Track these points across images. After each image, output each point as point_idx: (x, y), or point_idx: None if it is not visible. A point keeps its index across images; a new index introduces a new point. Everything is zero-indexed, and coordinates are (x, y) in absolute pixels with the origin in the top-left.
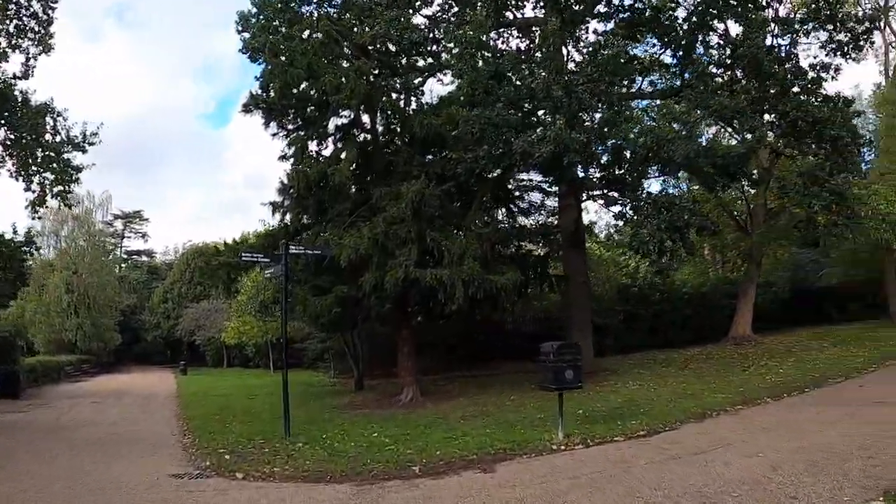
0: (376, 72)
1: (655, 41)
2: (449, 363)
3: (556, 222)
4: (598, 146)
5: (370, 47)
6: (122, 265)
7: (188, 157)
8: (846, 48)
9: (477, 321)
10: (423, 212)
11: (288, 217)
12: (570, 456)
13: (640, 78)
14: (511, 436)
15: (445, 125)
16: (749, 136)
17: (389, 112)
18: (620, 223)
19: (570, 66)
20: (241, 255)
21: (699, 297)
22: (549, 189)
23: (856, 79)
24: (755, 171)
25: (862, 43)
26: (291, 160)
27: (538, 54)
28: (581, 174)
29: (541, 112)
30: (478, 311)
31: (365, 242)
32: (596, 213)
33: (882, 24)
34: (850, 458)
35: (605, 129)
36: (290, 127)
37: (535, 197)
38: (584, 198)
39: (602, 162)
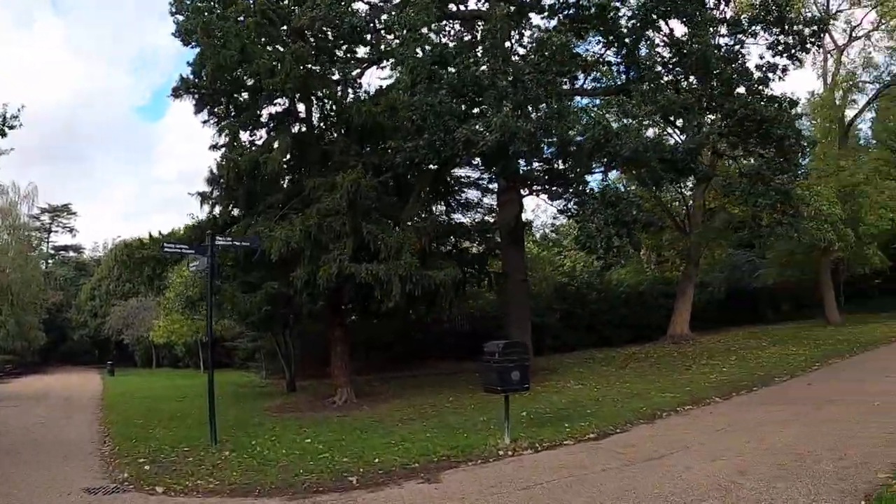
0: (314, 57)
1: (600, 38)
2: (385, 363)
3: (494, 219)
4: (543, 138)
5: (308, 32)
6: (49, 261)
7: (122, 150)
8: (793, 50)
9: (413, 319)
10: (358, 204)
11: (217, 209)
12: (519, 462)
13: (583, 75)
14: (454, 440)
15: (385, 113)
16: (697, 134)
17: (326, 101)
18: (559, 221)
19: (515, 58)
20: (164, 246)
21: (636, 296)
22: (489, 186)
23: (790, 86)
24: (703, 167)
25: (809, 45)
26: (223, 149)
27: (482, 47)
28: (524, 168)
29: (485, 106)
30: (414, 308)
31: (297, 235)
32: (533, 213)
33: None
34: (819, 461)
35: (552, 121)
36: (221, 114)
37: (474, 194)
38: (526, 193)
39: (546, 155)
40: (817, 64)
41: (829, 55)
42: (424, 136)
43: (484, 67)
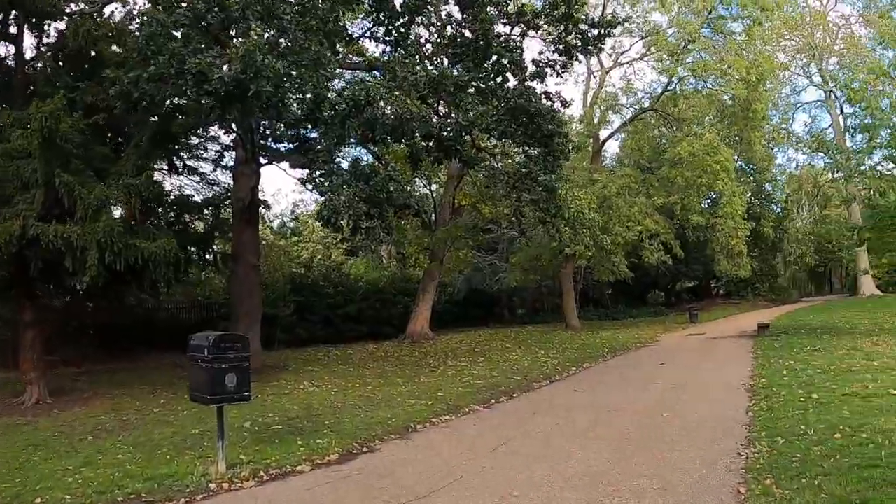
0: None
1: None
2: (93, 354)
3: (228, 195)
4: (293, 89)
5: None
6: None
7: None
8: (573, 51)
9: (129, 304)
10: (56, 146)
11: None
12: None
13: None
14: (153, 467)
15: (111, 38)
16: (470, 113)
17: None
18: (300, 209)
19: None
20: None
21: (376, 291)
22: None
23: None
24: (473, 152)
25: (591, 48)
26: None
27: None
28: (264, 125)
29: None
30: (121, 287)
31: None
32: (273, 198)
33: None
34: (642, 494)
35: (306, 69)
36: None
37: (207, 167)
38: (266, 161)
39: (294, 115)
40: (579, 85)
41: (593, 75)
42: (150, 68)
43: None
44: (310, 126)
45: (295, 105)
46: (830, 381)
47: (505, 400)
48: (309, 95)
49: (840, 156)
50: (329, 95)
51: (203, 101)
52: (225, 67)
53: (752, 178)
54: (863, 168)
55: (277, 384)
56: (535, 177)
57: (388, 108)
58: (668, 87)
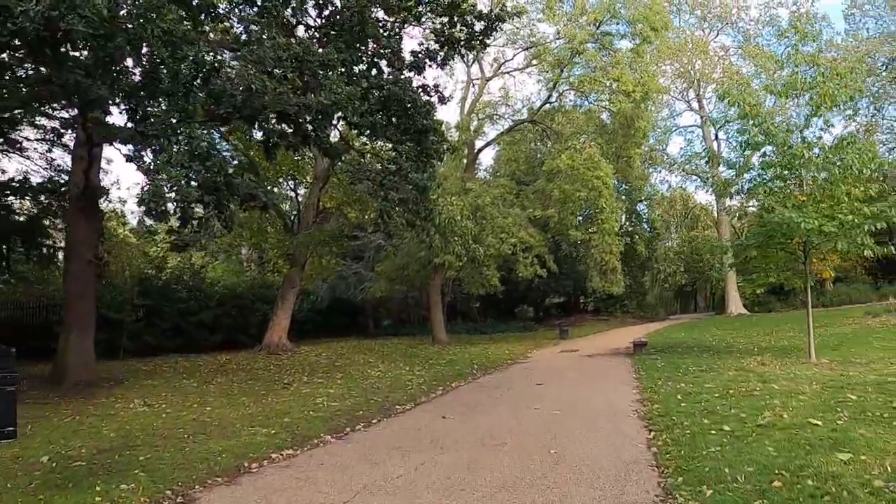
0: None
1: None
2: None
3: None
4: (133, 53)
5: None
6: None
7: None
8: (457, 45)
9: None
10: None
11: None
12: None
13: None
14: None
15: None
16: (333, 94)
17: None
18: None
19: None
20: None
21: (234, 297)
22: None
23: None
24: (341, 144)
25: (476, 42)
26: None
27: None
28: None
29: None
30: None
31: None
32: (129, 191)
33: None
34: None
35: (145, 19)
36: None
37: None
38: (101, 141)
39: (129, 83)
40: (457, 94)
41: (473, 83)
42: None
43: None
44: (149, 100)
45: (130, 62)
46: (734, 407)
47: (362, 428)
48: (143, 55)
49: (720, 171)
50: (170, 60)
51: (10, 45)
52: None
53: (625, 197)
54: (743, 187)
55: (104, 402)
56: (405, 174)
57: (238, 79)
58: (549, 100)
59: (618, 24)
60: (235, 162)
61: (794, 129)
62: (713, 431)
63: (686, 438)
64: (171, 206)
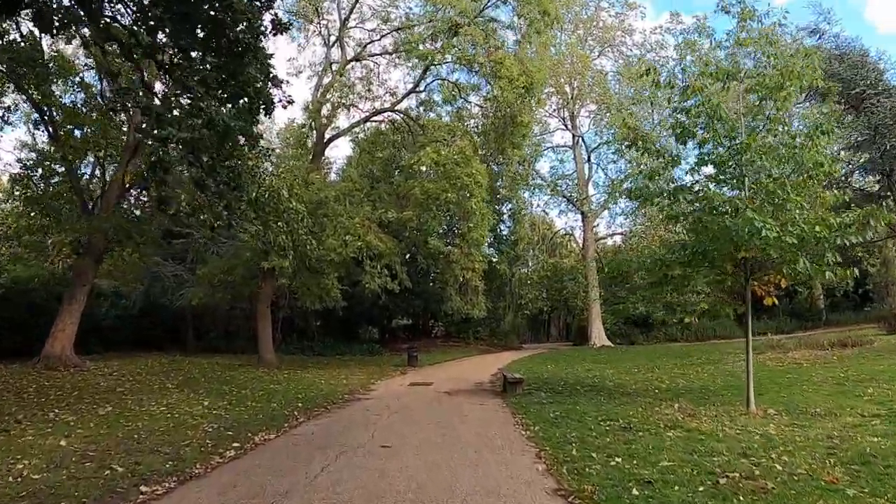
0: None
1: None
2: None
3: None
4: None
5: None
6: None
7: None
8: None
9: None
10: None
11: None
12: None
13: None
14: None
15: None
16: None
17: None
18: None
19: None
20: None
21: (24, 294)
22: None
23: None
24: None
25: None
26: None
27: None
28: None
29: None
30: None
31: None
32: None
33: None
34: None
35: None
36: None
37: None
38: None
39: None
40: (315, 73)
41: (331, 66)
42: None
43: None
44: None
45: None
46: None
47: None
48: None
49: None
50: None
51: None
52: None
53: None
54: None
55: None
56: (196, 103)
57: None
58: (416, 89)
59: (505, 3)
60: None
61: (743, 114)
62: None
63: None
64: None
